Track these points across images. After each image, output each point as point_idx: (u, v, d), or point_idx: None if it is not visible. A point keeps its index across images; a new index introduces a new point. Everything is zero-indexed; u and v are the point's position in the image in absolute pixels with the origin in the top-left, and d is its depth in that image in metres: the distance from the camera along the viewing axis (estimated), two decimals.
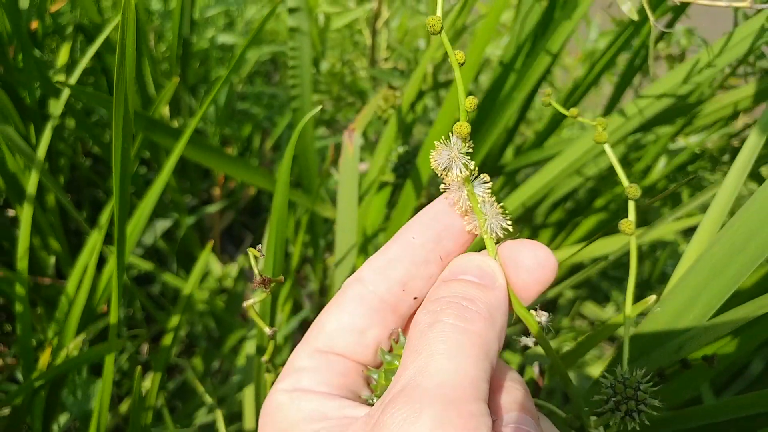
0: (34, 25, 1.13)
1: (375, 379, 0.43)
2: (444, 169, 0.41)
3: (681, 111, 0.91)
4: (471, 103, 0.39)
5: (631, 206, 0.53)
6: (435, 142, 0.41)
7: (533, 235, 1.32)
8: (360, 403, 0.40)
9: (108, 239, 0.93)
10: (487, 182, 0.42)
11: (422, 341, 0.36)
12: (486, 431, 0.33)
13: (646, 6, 0.55)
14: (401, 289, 0.43)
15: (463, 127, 0.39)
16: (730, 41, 0.75)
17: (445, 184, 0.42)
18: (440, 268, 0.44)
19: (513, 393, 0.41)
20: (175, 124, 1.31)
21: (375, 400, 0.42)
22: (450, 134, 0.40)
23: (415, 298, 0.44)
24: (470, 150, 0.40)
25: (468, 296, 0.39)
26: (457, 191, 0.42)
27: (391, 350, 0.44)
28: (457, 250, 0.44)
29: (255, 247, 0.46)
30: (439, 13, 0.40)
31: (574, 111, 0.58)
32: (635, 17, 0.57)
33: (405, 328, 0.45)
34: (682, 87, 0.76)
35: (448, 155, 0.40)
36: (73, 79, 0.92)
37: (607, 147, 0.54)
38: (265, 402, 0.42)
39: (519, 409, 0.40)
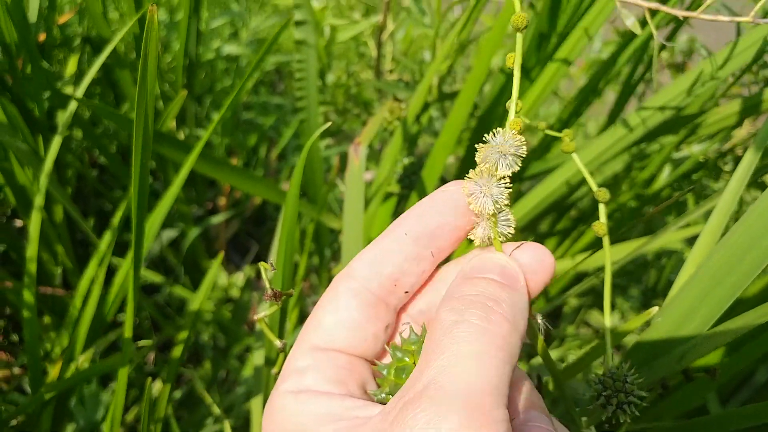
0: (42, 37, 1.14)
1: (383, 374, 0.42)
2: (486, 165, 0.41)
3: (684, 121, 0.91)
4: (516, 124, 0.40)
5: (602, 209, 0.54)
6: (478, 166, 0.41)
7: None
8: (369, 402, 0.40)
9: (114, 249, 0.94)
10: (509, 188, 0.42)
11: (446, 340, 0.35)
12: None
13: (649, 21, 0.56)
14: (393, 284, 0.43)
15: (518, 123, 0.40)
16: (734, 51, 0.76)
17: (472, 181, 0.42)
18: (432, 264, 0.44)
19: (527, 392, 0.40)
20: (181, 134, 1.32)
21: (383, 396, 0.41)
22: (497, 131, 0.40)
23: (406, 292, 0.43)
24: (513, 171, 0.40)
25: (493, 297, 0.38)
26: (481, 220, 0.42)
27: (388, 342, 0.44)
28: (450, 247, 0.44)
29: (263, 258, 0.47)
30: (518, 8, 0.40)
31: (541, 124, 0.60)
32: (638, 31, 0.58)
33: (397, 321, 0.45)
34: (685, 98, 0.76)
35: (485, 185, 0.40)
36: (80, 91, 0.93)
37: (574, 156, 0.55)
38: (268, 405, 0.41)
39: (534, 407, 0.39)
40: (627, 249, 0.85)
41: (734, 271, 0.53)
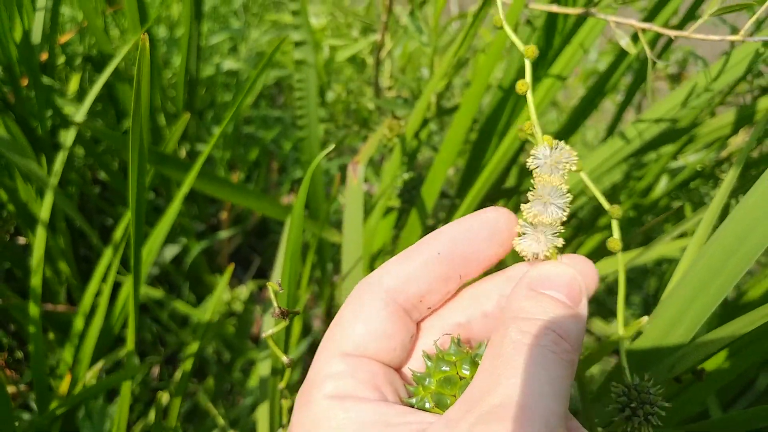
0: (44, 56, 1.15)
1: (425, 383, 0.41)
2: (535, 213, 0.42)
3: (680, 132, 0.92)
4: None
5: (615, 225, 0.54)
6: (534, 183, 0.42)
7: None
8: (408, 408, 0.39)
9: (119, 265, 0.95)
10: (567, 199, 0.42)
11: (520, 359, 0.36)
12: None
13: (642, 40, 0.57)
14: (419, 300, 0.43)
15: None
16: (727, 63, 0.77)
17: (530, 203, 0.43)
18: (457, 285, 0.44)
19: None
20: (183, 150, 1.33)
21: (427, 405, 0.41)
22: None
23: (429, 308, 0.44)
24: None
25: (563, 327, 0.38)
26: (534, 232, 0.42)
27: (410, 353, 0.44)
28: (478, 272, 0.44)
29: (266, 272, 0.48)
30: (528, 79, 0.44)
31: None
32: (633, 51, 0.59)
33: (417, 332, 0.45)
34: (680, 109, 0.77)
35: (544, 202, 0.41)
36: (82, 112, 0.94)
37: (583, 175, 0.55)
38: (306, 412, 0.39)
39: (570, 417, 0.40)
40: (624, 259, 0.86)
41: (717, 276, 0.54)
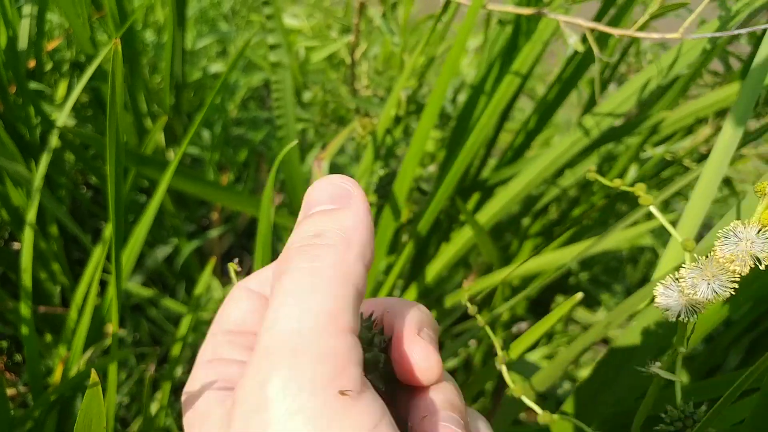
0: (32, 63, 1.18)
1: None
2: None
3: (636, 123, 0.96)
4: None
5: (688, 258, 0.54)
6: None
7: (519, 246, 1.36)
8: None
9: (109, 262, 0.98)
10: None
11: (272, 297, 0.33)
12: (355, 366, 0.31)
13: (590, 40, 0.60)
14: None
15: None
16: (680, 53, 0.80)
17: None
18: None
19: (443, 391, 0.38)
20: (171, 153, 1.36)
21: None
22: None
23: None
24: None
25: (317, 231, 0.35)
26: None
27: None
28: None
29: (233, 261, 0.51)
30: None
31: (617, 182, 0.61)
32: (580, 49, 0.62)
33: None
34: (634, 100, 0.80)
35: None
36: (63, 115, 0.97)
37: (653, 209, 0.54)
38: (189, 382, 0.41)
39: (448, 407, 0.37)
40: (582, 246, 0.89)
41: None
